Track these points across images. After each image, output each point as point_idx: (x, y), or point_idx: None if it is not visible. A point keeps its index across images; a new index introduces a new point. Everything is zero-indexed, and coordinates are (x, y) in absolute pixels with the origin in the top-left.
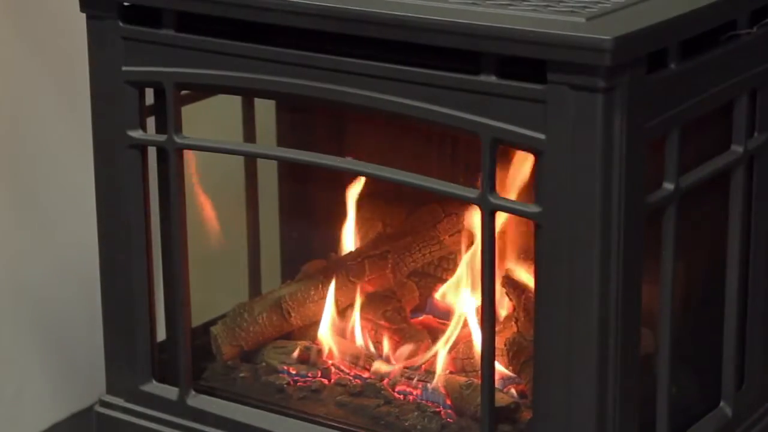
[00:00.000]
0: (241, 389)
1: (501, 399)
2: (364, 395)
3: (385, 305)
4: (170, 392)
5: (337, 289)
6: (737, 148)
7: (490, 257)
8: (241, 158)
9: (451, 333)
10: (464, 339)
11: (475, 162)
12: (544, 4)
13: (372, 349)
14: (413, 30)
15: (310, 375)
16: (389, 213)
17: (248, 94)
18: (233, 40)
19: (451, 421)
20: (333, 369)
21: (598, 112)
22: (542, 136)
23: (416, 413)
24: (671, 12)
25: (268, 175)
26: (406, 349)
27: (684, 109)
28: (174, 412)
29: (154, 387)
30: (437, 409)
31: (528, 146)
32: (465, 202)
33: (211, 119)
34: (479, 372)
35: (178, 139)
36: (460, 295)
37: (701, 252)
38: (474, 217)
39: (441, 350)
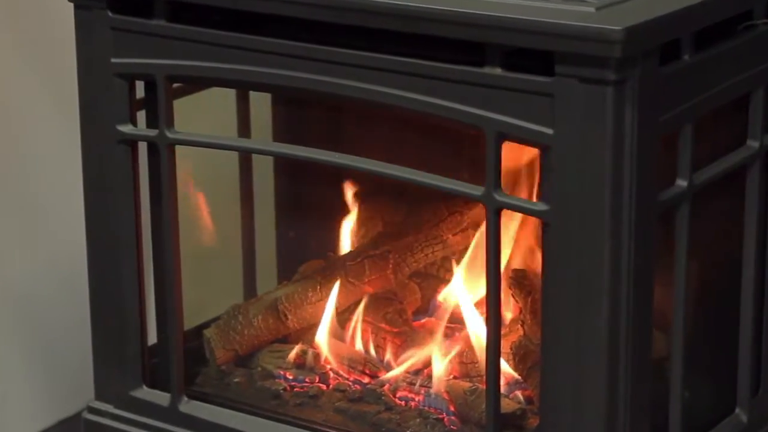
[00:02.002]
0: (236, 395)
1: (507, 405)
2: (364, 401)
3: (386, 307)
4: (161, 398)
5: (335, 290)
6: (753, 144)
7: (496, 257)
8: (236, 154)
9: (455, 336)
10: (468, 343)
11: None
12: None
13: (372, 353)
14: (415, 20)
15: (307, 380)
16: (390, 211)
17: (243, 87)
18: (227, 30)
19: (454, 428)
20: (331, 374)
21: (608, 106)
22: (550, 131)
23: (418, 420)
24: (685, 1)
25: (263, 171)
26: (408, 353)
27: (698, 102)
28: (165, 418)
29: (145, 393)
30: (440, 416)
31: (535, 141)
32: (469, 200)
33: (204, 113)
34: (484, 377)
35: (169, 134)
36: (464, 297)
37: (715, 251)
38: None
39: (444, 354)
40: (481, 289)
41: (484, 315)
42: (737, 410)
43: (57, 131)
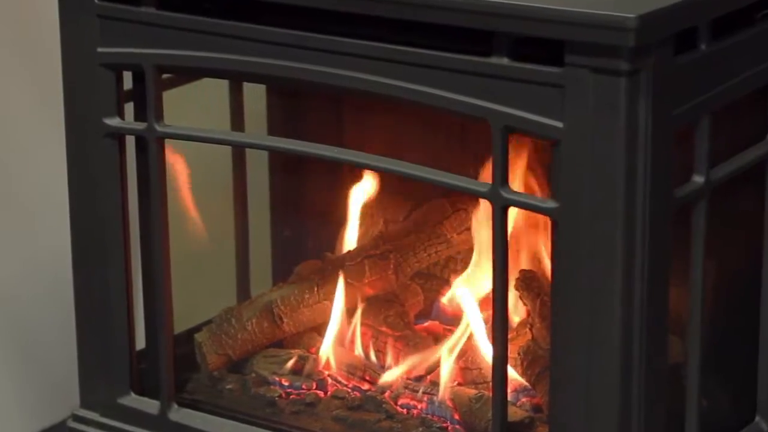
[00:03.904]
0: (229, 402)
1: (514, 413)
2: (364, 409)
3: (387, 310)
4: (150, 406)
5: (333, 292)
6: None
7: (503, 257)
8: (229, 148)
9: (459, 340)
10: (473, 347)
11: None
12: None
13: (372, 358)
14: (417, 7)
15: (304, 387)
16: (391, 208)
17: (236, 78)
18: (219, 18)
19: None
20: (329, 380)
21: (621, 98)
22: (559, 124)
23: (421, 429)
24: None
25: (258, 167)
26: (410, 358)
27: (715, 94)
28: (154, 427)
29: (133, 400)
30: (444, 425)
31: (544, 135)
32: (475, 197)
33: (196, 105)
34: (490, 384)
35: (159, 128)
36: (469, 299)
37: (734, 251)
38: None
39: (448, 359)
40: (487, 291)
41: (491, 318)
42: (757, 418)
43: (40, 125)
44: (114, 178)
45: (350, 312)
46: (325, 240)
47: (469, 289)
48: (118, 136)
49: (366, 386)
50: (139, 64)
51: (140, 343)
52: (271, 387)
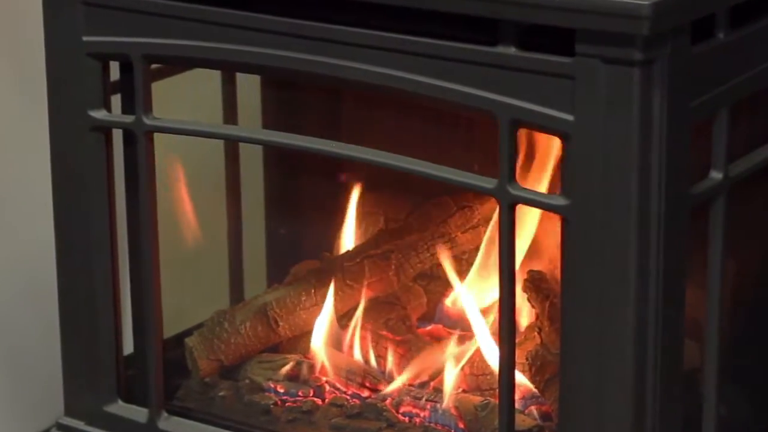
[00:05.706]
0: (221, 410)
1: (522, 422)
2: (364, 417)
3: (388, 313)
4: (139, 414)
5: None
6: None
7: (509, 257)
8: (221, 143)
9: (464, 345)
10: (479, 352)
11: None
12: None
13: (373, 363)
14: None
15: (300, 394)
16: (392, 206)
17: (229, 69)
18: (211, 5)
19: None
20: (327, 387)
21: (635, 89)
22: (570, 117)
23: None
24: None
25: (252, 162)
26: (412, 363)
27: (734, 85)
28: None
29: (120, 407)
30: None
31: (553, 129)
32: (480, 194)
33: (186, 97)
34: (496, 390)
35: (147, 121)
36: (474, 302)
37: (754, 250)
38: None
39: (452, 365)
40: (493, 293)
41: (497, 321)
42: None
43: (22, 117)
44: (100, 174)
45: (349, 315)
46: (323, 239)
47: (474, 291)
48: (105, 129)
49: (366, 393)
50: (126, 54)
51: (128, 347)
52: (266, 394)
